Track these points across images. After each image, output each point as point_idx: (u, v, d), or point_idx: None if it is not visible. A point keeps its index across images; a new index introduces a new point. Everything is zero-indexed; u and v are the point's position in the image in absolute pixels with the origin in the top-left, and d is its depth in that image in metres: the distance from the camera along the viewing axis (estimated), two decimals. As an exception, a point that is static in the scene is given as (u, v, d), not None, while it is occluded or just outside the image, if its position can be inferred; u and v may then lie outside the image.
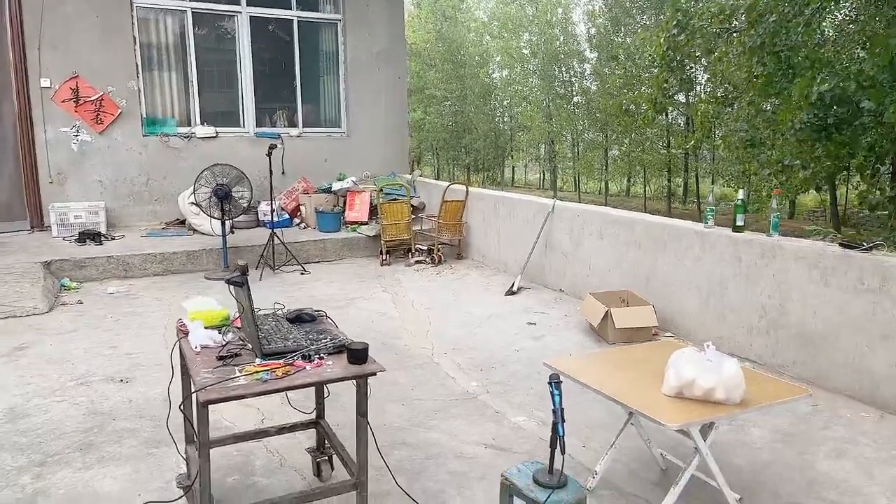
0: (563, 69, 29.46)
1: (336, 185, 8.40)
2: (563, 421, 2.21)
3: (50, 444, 3.09)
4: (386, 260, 7.21)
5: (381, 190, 7.63)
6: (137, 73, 7.76)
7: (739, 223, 4.23)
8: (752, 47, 9.84)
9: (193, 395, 1.94)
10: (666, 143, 23.81)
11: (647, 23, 24.18)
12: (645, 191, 27.82)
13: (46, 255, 6.28)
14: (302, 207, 8.21)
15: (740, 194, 4.42)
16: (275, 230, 6.86)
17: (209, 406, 1.96)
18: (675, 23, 12.03)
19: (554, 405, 2.22)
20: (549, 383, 2.26)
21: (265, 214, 7.86)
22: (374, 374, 2.15)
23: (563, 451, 2.17)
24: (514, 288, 5.97)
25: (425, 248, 7.35)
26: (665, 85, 13.01)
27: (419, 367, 4.16)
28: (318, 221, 7.88)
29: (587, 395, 3.19)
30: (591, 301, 4.75)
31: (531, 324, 5.09)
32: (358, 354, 2.14)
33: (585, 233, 5.61)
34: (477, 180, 32.08)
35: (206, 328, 2.36)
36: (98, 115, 7.52)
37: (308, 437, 3.14)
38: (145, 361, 4.17)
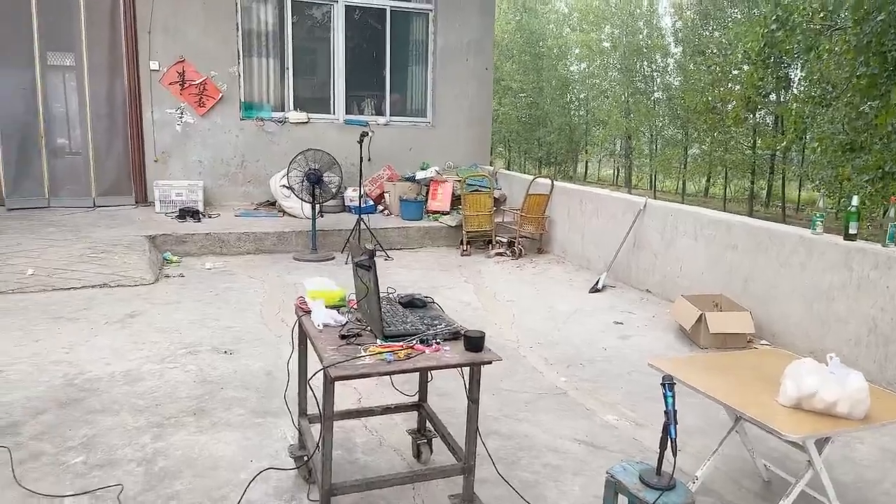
0: (645, 63, 28.67)
1: (420, 174, 8.51)
2: (676, 423, 2.20)
3: (166, 407, 3.30)
4: (466, 250, 7.27)
5: (464, 181, 7.69)
6: (238, 58, 8.10)
7: (852, 231, 4.04)
8: (858, 46, 9.31)
9: (323, 371, 2.03)
10: (752, 143, 22.84)
11: (739, 17, 23.20)
12: (725, 192, 26.81)
13: (151, 229, 6.66)
14: (386, 195, 8.37)
15: (854, 200, 4.21)
16: (361, 216, 7.02)
17: (335, 382, 2.05)
18: (774, 18, 11.53)
19: (667, 406, 2.20)
20: (663, 384, 2.24)
21: (352, 200, 8.05)
22: (490, 362, 2.19)
23: (674, 454, 2.16)
24: (599, 285, 5.91)
25: (506, 240, 7.35)
26: (759, 83, 12.51)
27: (506, 359, 4.17)
28: (402, 209, 8.01)
29: (683, 399, 3.14)
30: (683, 303, 4.66)
31: (618, 323, 5.03)
32: (475, 342, 2.19)
33: (678, 232, 5.49)
34: (548, 174, 31.73)
35: (326, 307, 2.46)
36: (201, 98, 7.90)
37: (404, 420, 3.23)
38: (245, 335, 4.38)
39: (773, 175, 23.70)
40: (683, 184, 28.75)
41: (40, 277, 5.22)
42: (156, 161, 7.86)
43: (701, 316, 4.45)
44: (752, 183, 24.09)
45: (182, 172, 7.96)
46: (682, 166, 27.08)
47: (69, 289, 5.12)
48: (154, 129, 7.81)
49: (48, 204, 7.57)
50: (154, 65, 7.69)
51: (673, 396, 2.23)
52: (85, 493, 2.52)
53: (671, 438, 2.18)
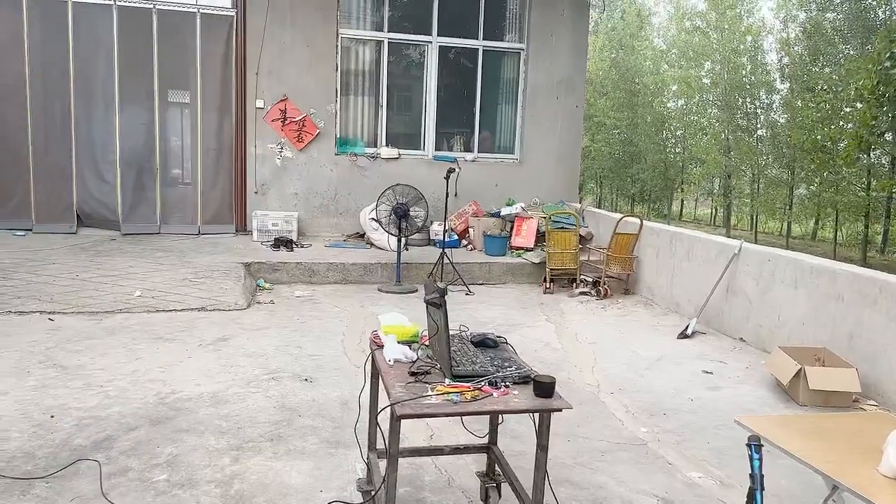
0: (748, 100, 27.57)
1: (505, 210, 8.52)
2: (762, 489, 2.04)
3: (246, 430, 3.42)
4: (549, 288, 7.16)
5: (550, 217, 7.62)
6: (336, 97, 8.49)
7: (976, 286, 3.65)
8: None
9: (390, 408, 2.04)
10: (866, 185, 21.32)
11: (852, 52, 21.95)
12: (836, 236, 25.07)
13: (247, 256, 7.02)
14: (470, 230, 8.42)
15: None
16: (445, 250, 7.09)
17: (401, 420, 2.06)
18: (888, 54, 10.85)
19: (753, 470, 2.05)
20: (749, 445, 2.09)
21: (437, 234, 8.16)
22: (560, 410, 2.13)
23: (760, 521, 2.00)
24: (688, 331, 5.64)
25: (590, 279, 7.19)
26: (872, 122, 11.73)
27: (584, 404, 4.06)
28: (485, 244, 8.03)
29: (776, 460, 2.92)
30: (781, 355, 4.35)
31: (707, 372, 4.76)
32: (546, 389, 2.14)
33: (776, 279, 5.17)
34: (642, 212, 30.90)
35: (398, 343, 2.48)
36: (300, 134, 8.32)
37: (475, 461, 3.18)
38: (325, 364, 4.49)
39: (890, 219, 21.96)
40: (788, 226, 27.15)
41: (146, 299, 5.60)
42: (256, 193, 8.32)
43: (800, 370, 4.14)
44: (867, 227, 22.39)
45: (279, 203, 8.37)
46: (787, 207, 25.62)
47: (171, 310, 5.45)
48: (256, 162, 8.29)
49: (159, 230, 8.16)
50: (260, 103, 8.20)
51: (760, 459, 2.08)
52: (165, 509, 2.64)
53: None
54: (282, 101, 8.24)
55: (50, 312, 5.16)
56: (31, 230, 7.76)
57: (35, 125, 7.74)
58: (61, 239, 7.55)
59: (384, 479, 2.15)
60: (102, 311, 5.29)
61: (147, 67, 7.92)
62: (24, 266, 6.25)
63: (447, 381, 2.20)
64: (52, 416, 3.43)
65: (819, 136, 17.87)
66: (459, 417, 3.28)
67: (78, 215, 7.97)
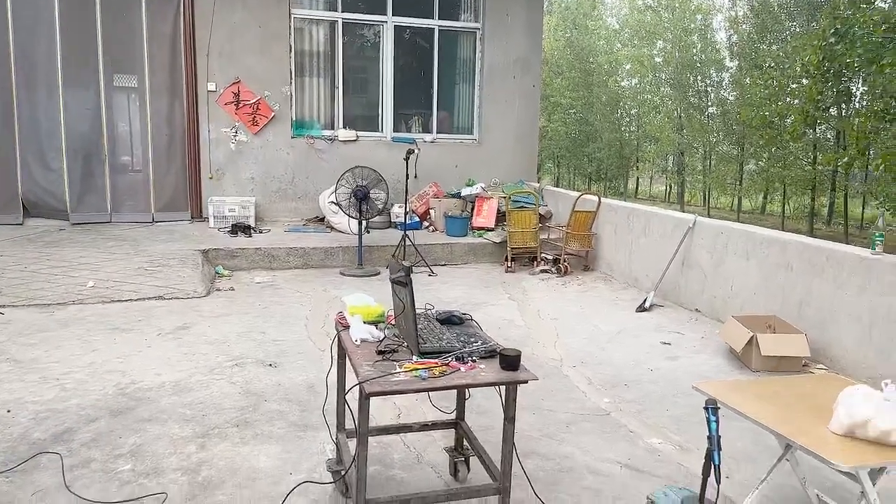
0: (699, 78, 28.13)
1: (465, 191, 8.54)
2: (720, 449, 2.12)
3: (211, 417, 3.38)
4: (511, 267, 7.24)
5: (510, 197, 7.67)
6: (290, 79, 8.33)
7: (915, 252, 3.84)
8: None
9: (358, 387, 2.05)
10: (812, 159, 22.06)
11: (798, 30, 22.57)
12: (784, 209, 25.92)
13: (204, 243, 6.88)
14: (431, 211, 8.42)
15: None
16: (406, 232, 7.08)
17: (370, 398, 2.07)
18: (832, 31, 11.18)
19: (710, 432, 2.14)
20: (706, 408, 2.18)
21: (398, 216, 8.14)
22: (526, 381, 2.17)
23: (718, 481, 2.08)
24: (647, 304, 5.78)
25: (551, 257, 7.29)
26: (818, 97, 12.11)
27: (548, 378, 4.13)
28: (447, 225, 8.05)
29: (731, 423, 3.04)
30: (734, 324, 4.51)
31: (665, 343, 4.90)
32: (511, 361, 2.17)
33: (729, 251, 5.33)
34: (599, 190, 31.34)
35: (364, 323, 2.48)
36: (255, 117, 8.15)
37: (443, 437, 3.22)
38: (290, 349, 4.46)
39: (835, 192, 22.81)
40: (739, 201, 27.96)
41: (100, 289, 5.45)
42: (210, 178, 8.13)
43: (752, 338, 4.30)
44: (813, 200, 23.22)
45: (235, 189, 8.21)
46: (738, 183, 26.35)
47: (126, 300, 5.32)
48: (210, 147, 8.09)
49: (110, 219, 7.92)
50: (211, 86, 7.99)
51: (717, 421, 2.16)
52: (130, 500, 2.60)
53: (715, 465, 2.11)
54: (234, 83, 8.05)
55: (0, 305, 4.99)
56: (-27, 222, 7.44)
57: (-27, 112, 7.40)
58: (7, 230, 7.26)
59: (354, 458, 2.16)
60: (55, 303, 5.13)
61: (91, 49, 7.61)
62: (-33, 259, 6.00)
63: (415, 358, 2.22)
64: (9, 411, 3.33)
65: (767, 113, 18.37)
66: (427, 395, 3.33)
67: (24, 205, 7.66)
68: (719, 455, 2.11)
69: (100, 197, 7.89)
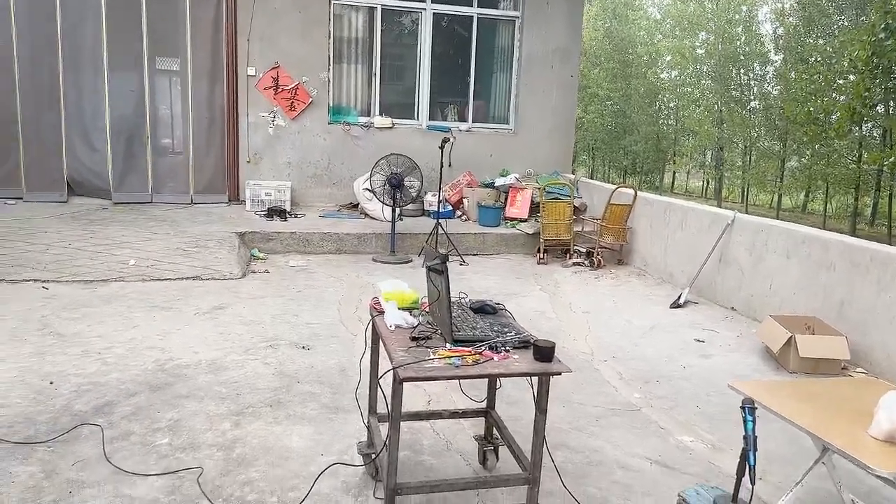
0: (742, 71, 27.45)
1: (499, 181, 8.51)
2: (756, 450, 2.09)
3: (245, 396, 3.45)
4: (543, 259, 7.20)
5: (544, 188, 7.62)
6: (329, 64, 8.38)
7: (966, 255, 3.71)
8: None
9: (392, 372, 2.07)
10: (856, 158, 21.40)
11: (846, 24, 21.84)
12: (825, 208, 25.24)
13: (241, 226, 6.99)
14: (465, 200, 8.41)
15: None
16: (439, 220, 7.09)
17: (403, 383, 2.09)
18: (883, 25, 10.80)
19: (746, 431, 2.11)
20: (743, 407, 2.15)
21: (431, 205, 8.15)
22: (560, 373, 2.17)
23: (752, 482, 2.06)
24: (681, 301, 5.70)
25: (584, 250, 7.23)
26: (865, 93, 11.73)
27: (578, 371, 4.11)
28: (479, 215, 8.03)
29: (765, 424, 2.99)
30: (772, 324, 4.42)
31: (699, 341, 4.83)
32: (545, 353, 2.17)
33: (769, 249, 5.22)
34: (633, 184, 30.91)
35: (398, 309, 2.50)
36: (293, 102, 8.23)
37: (472, 425, 3.23)
38: (322, 333, 4.51)
39: (880, 192, 22.11)
40: (779, 198, 27.28)
41: (140, 268, 5.59)
42: (248, 162, 8.25)
43: (791, 338, 4.21)
44: (857, 199, 22.55)
45: (272, 173, 8.31)
46: (779, 180, 25.72)
47: (166, 279, 5.44)
48: (248, 131, 8.20)
49: (151, 199, 8.09)
50: (251, 70, 8.08)
51: (753, 421, 2.13)
52: (168, 473, 2.67)
53: (750, 465, 2.08)
54: (274, 68, 8.13)
55: (44, 281, 5.14)
56: (21, 199, 7.67)
57: (23, 92, 7.60)
58: (52, 208, 7.48)
59: (386, 442, 2.19)
60: (97, 280, 5.28)
61: (135, 33, 7.76)
62: (15, 234, 6.20)
63: (448, 345, 2.23)
64: (52, 383, 3.44)
65: (812, 108, 17.83)
66: (458, 383, 3.34)
67: (68, 184, 7.88)
68: (755, 455, 2.08)
69: (141, 177, 8.07)
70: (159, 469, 2.70)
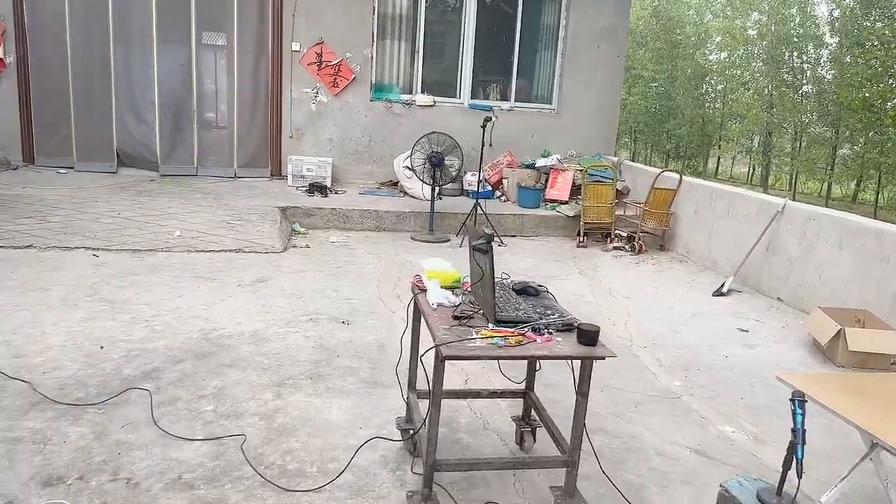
0: (795, 54, 26.45)
1: (540, 162, 8.42)
2: (804, 443, 2.04)
3: (286, 368, 3.51)
4: (583, 242, 7.12)
5: (586, 170, 7.51)
6: (372, 41, 8.36)
7: None
8: None
9: (434, 350, 2.07)
10: (913, 146, 20.50)
11: (909, 5, 20.81)
12: (877, 198, 24.32)
13: (283, 201, 7.08)
14: (504, 181, 8.35)
15: None
16: (478, 200, 7.06)
17: (445, 361, 2.09)
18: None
19: (795, 425, 2.05)
20: (792, 400, 2.09)
21: (470, 184, 8.12)
22: (604, 358, 2.14)
23: (799, 475, 2.01)
24: (724, 289, 5.58)
25: (625, 234, 7.12)
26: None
27: (618, 357, 4.03)
28: (519, 196, 7.97)
29: (810, 417, 2.91)
30: (820, 316, 4.29)
31: (743, 330, 4.73)
32: (589, 336, 2.15)
33: (820, 239, 5.06)
34: (676, 168, 30.25)
35: (441, 287, 2.50)
36: (335, 78, 8.25)
37: (509, 405, 3.24)
38: (361, 308, 4.56)
39: (938, 183, 21.19)
40: (829, 187, 26.39)
41: (186, 239, 5.71)
42: (290, 137, 8.33)
43: (840, 331, 4.08)
44: (911, 190, 21.66)
45: (313, 149, 8.37)
46: (829, 168, 24.84)
47: (210, 251, 5.55)
48: (291, 106, 8.26)
49: (196, 172, 8.25)
50: (296, 46, 8.11)
51: (803, 415, 2.08)
52: (212, 438, 2.74)
53: (797, 459, 2.03)
54: (318, 44, 8.15)
55: (95, 249, 5.30)
56: (72, 168, 7.90)
57: (75, 65, 7.79)
58: (102, 178, 7.69)
59: (426, 418, 2.20)
60: (145, 250, 5.41)
61: (185, 8, 7.86)
62: (67, 203, 6.39)
63: (490, 325, 2.22)
64: (102, 347, 3.56)
65: (867, 94, 17.14)
66: (496, 363, 3.34)
67: (118, 155, 8.08)
68: (803, 449, 2.03)
69: (187, 151, 8.22)
70: (204, 434, 2.77)
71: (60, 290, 4.39)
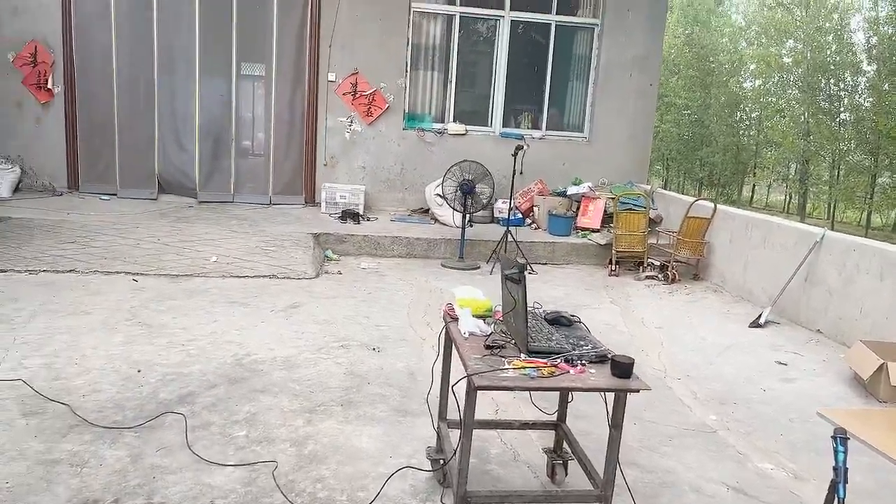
0: (831, 81, 26.08)
1: (571, 190, 8.40)
2: (846, 482, 1.98)
3: (317, 395, 3.53)
4: (615, 271, 7.05)
5: (618, 198, 7.48)
6: (406, 71, 8.51)
7: None
8: None
9: (466, 379, 2.07)
10: (957, 175, 19.94)
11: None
12: (919, 228, 23.62)
13: (316, 227, 7.19)
14: (535, 208, 8.35)
15: None
16: (509, 228, 7.07)
17: (477, 391, 2.09)
18: None
19: (837, 463, 1.99)
20: (834, 437, 2.03)
21: (501, 212, 8.13)
22: (638, 390, 2.12)
23: (842, 516, 1.94)
24: (761, 320, 5.46)
25: (658, 263, 7.03)
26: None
27: (651, 389, 3.99)
28: (550, 224, 7.96)
29: (852, 455, 2.82)
30: (862, 349, 4.17)
31: (781, 363, 4.62)
32: (624, 369, 2.13)
33: (861, 270, 4.93)
34: (709, 196, 29.87)
35: (472, 316, 2.51)
36: (370, 108, 8.41)
37: (540, 437, 3.20)
38: (392, 335, 4.58)
39: (983, 212, 20.50)
40: (868, 216, 25.74)
41: (221, 265, 5.83)
42: (325, 165, 8.48)
43: (883, 365, 3.96)
44: (956, 220, 21.00)
45: (346, 177, 8.51)
46: (868, 196, 24.26)
47: (244, 276, 5.66)
48: (326, 135, 8.43)
49: (232, 199, 8.43)
50: (331, 76, 8.30)
51: (845, 452, 2.02)
52: (245, 464, 2.77)
53: (839, 498, 1.96)
54: (353, 74, 8.33)
55: (134, 273, 5.44)
56: (115, 195, 8.15)
57: (120, 95, 8.08)
58: (143, 204, 7.91)
59: (457, 449, 2.19)
60: (182, 275, 5.54)
61: (226, 39, 8.12)
62: (109, 229, 6.59)
63: (523, 356, 2.22)
64: (139, 371, 3.63)
65: (909, 122, 16.77)
66: (528, 394, 3.32)
67: (159, 182, 8.32)
68: (845, 489, 1.97)
69: (225, 178, 8.42)
70: (236, 460, 2.80)
71: (101, 314, 4.50)
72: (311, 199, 8.52)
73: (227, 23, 8.08)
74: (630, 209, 7.31)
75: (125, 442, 2.89)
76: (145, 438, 2.93)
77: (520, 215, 8.30)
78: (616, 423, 2.19)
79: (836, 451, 2.02)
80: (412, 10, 8.42)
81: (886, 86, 22.06)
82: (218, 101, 8.27)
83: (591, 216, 8.00)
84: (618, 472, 2.29)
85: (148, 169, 8.24)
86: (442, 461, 2.64)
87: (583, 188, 8.33)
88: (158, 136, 8.21)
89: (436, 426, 2.85)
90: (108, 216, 7.10)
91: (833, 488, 1.99)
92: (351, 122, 8.45)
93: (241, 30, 8.14)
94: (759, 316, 5.51)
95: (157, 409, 3.19)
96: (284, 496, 2.55)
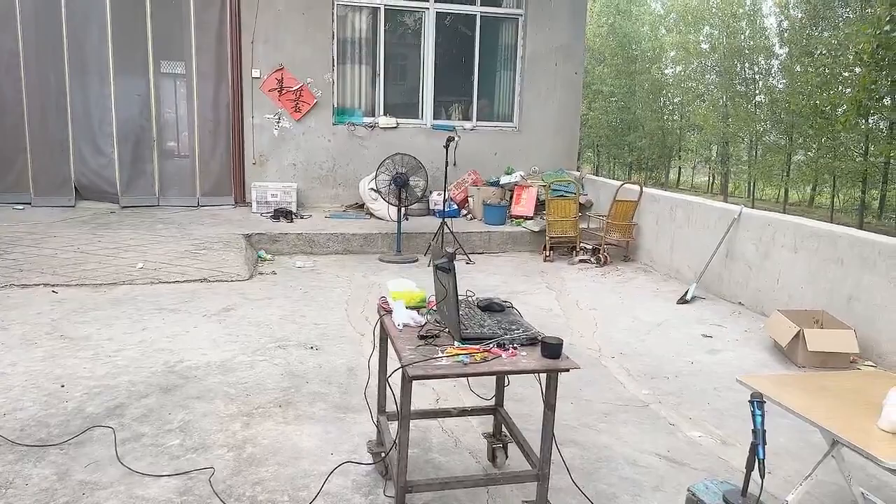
0: (746, 65, 27.36)
1: (504, 179, 8.51)
2: (765, 443, 2.10)
3: (255, 397, 3.47)
4: (549, 256, 7.20)
5: (549, 186, 7.62)
6: (333, 66, 8.40)
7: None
8: None
9: (401, 371, 2.08)
10: (863, 151, 21.30)
11: (851, 16, 21.74)
12: (832, 202, 25.12)
13: (247, 228, 7.02)
14: (470, 199, 8.42)
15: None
16: (445, 219, 7.10)
17: (412, 381, 2.10)
18: (888, 18, 10.75)
19: (755, 425, 2.12)
20: (751, 402, 2.15)
21: (436, 204, 8.16)
22: (568, 370, 2.17)
23: (762, 476, 2.06)
24: (688, 296, 5.69)
25: (590, 247, 7.22)
26: (871, 86, 11.68)
27: (586, 368, 4.10)
28: (485, 214, 8.04)
29: (774, 419, 2.99)
30: (780, 318, 4.41)
31: (707, 336, 4.83)
32: (553, 349, 2.18)
33: (776, 244, 5.21)
34: (639, 180, 30.84)
35: (406, 308, 2.51)
36: (297, 104, 8.25)
37: (480, 423, 3.24)
38: (330, 333, 4.53)
39: (887, 185, 22.00)
40: (786, 192, 27.20)
41: (148, 271, 5.62)
42: (254, 163, 8.28)
43: (799, 332, 4.20)
44: (864, 192, 22.44)
45: (277, 175, 8.34)
46: (785, 174, 25.63)
47: (174, 282, 5.47)
48: (254, 133, 8.23)
49: (157, 202, 8.14)
50: (256, 72, 8.11)
51: (762, 415, 2.14)
52: (179, 473, 2.69)
53: (759, 459, 2.09)
54: (278, 70, 8.16)
55: (54, 285, 5.18)
56: (29, 203, 7.72)
57: (30, 98, 7.65)
58: (60, 212, 7.53)
59: (395, 440, 2.20)
60: (106, 283, 5.31)
61: (141, 37, 7.80)
62: (25, 239, 6.24)
63: (456, 343, 2.24)
64: (63, 386, 3.47)
65: (818, 102, 17.79)
66: (466, 381, 3.36)
67: (76, 188, 7.93)
68: (764, 450, 2.09)
69: (148, 181, 8.11)
70: (171, 470, 2.72)
71: (19, 329, 4.28)
72: (242, 199, 8.32)
73: (141, 20, 7.75)
74: (561, 196, 7.47)
75: (51, 460, 2.76)
76: (72, 455, 2.81)
77: (455, 206, 8.34)
78: (549, 403, 2.24)
79: (753, 415, 2.14)
80: (336, 3, 8.31)
81: (798, 67, 23.28)
82: (136, 102, 7.94)
83: (524, 204, 8.13)
84: (555, 450, 2.35)
85: (63, 175, 7.85)
86: (382, 454, 2.64)
87: (515, 177, 8.45)
88: (73, 139, 7.82)
89: (375, 420, 2.85)
90: (22, 226, 6.73)
91: (753, 450, 2.11)
92: (279, 118, 8.28)
93: (156, 27, 7.83)
94: (686, 292, 5.74)
95: (84, 424, 3.06)
96: (222, 502, 2.50)
